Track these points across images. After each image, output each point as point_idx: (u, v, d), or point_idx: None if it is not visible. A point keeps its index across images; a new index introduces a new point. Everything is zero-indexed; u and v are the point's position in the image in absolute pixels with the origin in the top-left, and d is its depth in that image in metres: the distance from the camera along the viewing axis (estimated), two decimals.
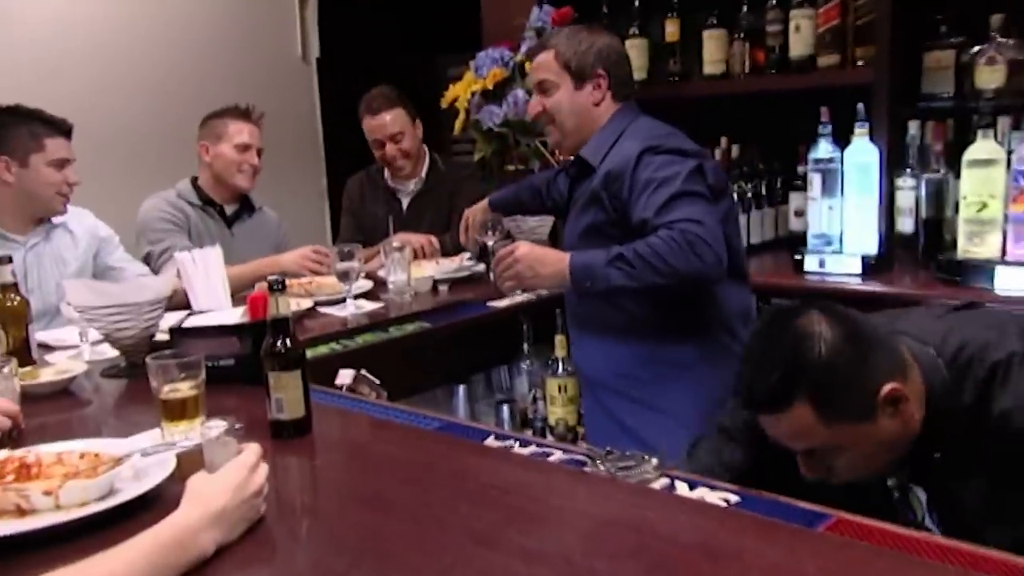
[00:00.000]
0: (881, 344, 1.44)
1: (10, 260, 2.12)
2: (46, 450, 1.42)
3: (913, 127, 2.72)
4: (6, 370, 1.75)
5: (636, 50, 3.33)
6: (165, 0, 4.30)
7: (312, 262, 2.96)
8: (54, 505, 1.26)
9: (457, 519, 1.28)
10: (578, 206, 2.26)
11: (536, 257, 2.10)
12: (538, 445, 1.60)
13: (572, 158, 2.38)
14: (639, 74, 3.33)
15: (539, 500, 1.34)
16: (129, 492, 1.30)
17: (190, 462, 1.42)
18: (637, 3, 3.38)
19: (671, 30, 3.30)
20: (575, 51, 2.20)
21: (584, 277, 2.02)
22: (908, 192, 2.72)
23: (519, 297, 2.67)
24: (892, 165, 2.71)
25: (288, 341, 1.61)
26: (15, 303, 2.06)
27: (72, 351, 2.26)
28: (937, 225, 2.67)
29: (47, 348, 2.31)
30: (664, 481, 1.40)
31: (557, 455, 1.53)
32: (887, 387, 1.38)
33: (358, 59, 4.92)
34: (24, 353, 2.04)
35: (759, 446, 1.56)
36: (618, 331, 2.22)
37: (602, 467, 1.44)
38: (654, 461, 1.44)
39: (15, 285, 2.09)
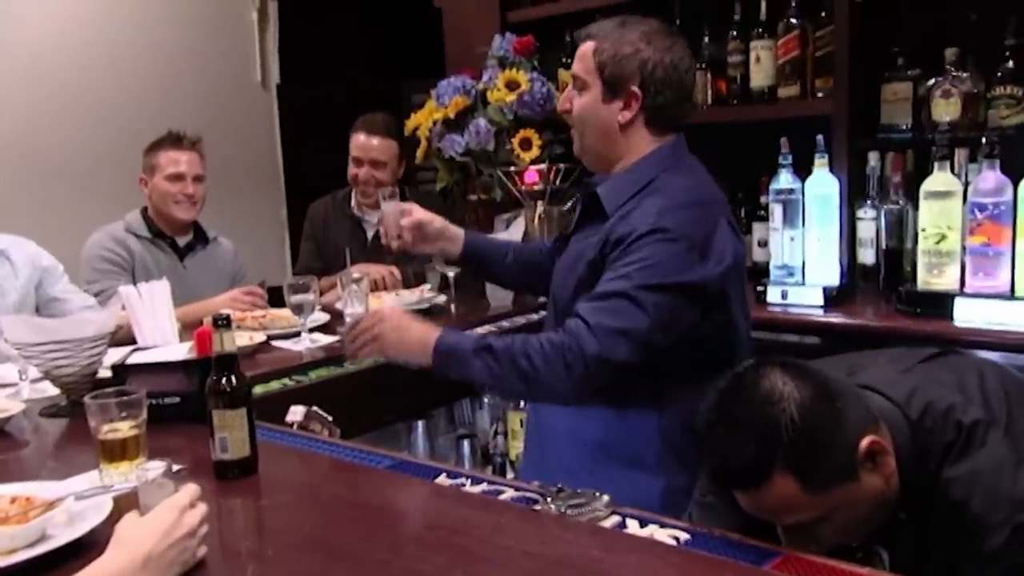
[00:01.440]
0: (850, 396, 1.38)
1: None
2: None
3: (873, 158, 2.76)
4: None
5: None
6: (122, 23, 4.28)
7: (244, 303, 2.95)
8: None
9: (402, 562, 1.29)
10: (579, 244, 1.98)
11: (405, 325, 1.90)
12: (489, 483, 1.59)
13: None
14: None
15: (486, 541, 1.33)
16: (61, 538, 1.28)
17: (129, 505, 1.40)
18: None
19: None
20: (615, 53, 1.84)
21: (446, 359, 1.82)
22: (869, 223, 2.75)
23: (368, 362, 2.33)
24: (852, 196, 2.76)
25: (233, 378, 1.59)
26: None
27: (10, 389, 2.21)
28: (898, 256, 2.71)
29: None
30: (615, 519, 1.39)
31: (509, 493, 1.53)
32: (865, 440, 1.32)
33: (319, 85, 4.93)
34: None
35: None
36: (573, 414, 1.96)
37: (553, 505, 1.43)
38: (605, 498, 1.43)
39: None
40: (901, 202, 2.70)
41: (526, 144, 3.24)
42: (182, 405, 1.86)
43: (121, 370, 1.96)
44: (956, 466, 1.36)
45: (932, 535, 1.39)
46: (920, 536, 1.42)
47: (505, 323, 2.84)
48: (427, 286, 3.14)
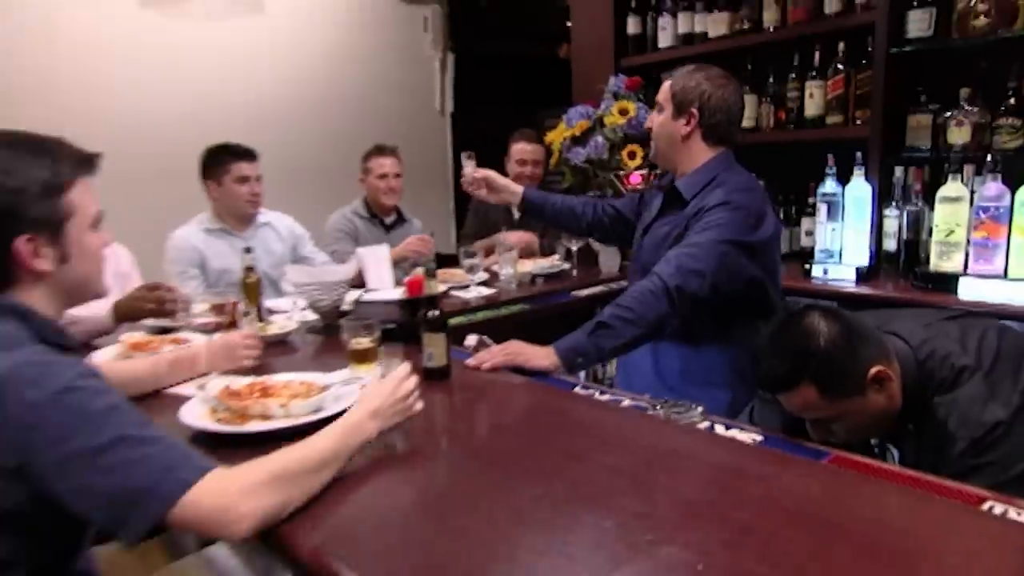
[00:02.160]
0: (869, 337, 1.40)
1: (250, 251, 2.21)
2: (277, 379, 1.50)
3: (898, 171, 2.66)
4: (249, 318, 1.88)
5: None
6: (344, 63, 4.35)
7: (418, 245, 3.02)
8: (285, 414, 1.34)
9: (556, 442, 1.32)
10: (665, 227, 1.97)
11: (524, 346, 1.74)
12: (612, 394, 1.59)
13: (656, 187, 2.16)
14: None
15: (615, 432, 1.37)
16: (330, 410, 1.36)
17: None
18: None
19: None
20: (683, 86, 1.91)
21: (571, 354, 1.71)
22: (893, 220, 2.66)
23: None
24: (881, 199, 2.66)
25: (437, 312, 1.65)
26: (254, 280, 2.14)
27: (288, 314, 2.31)
28: (915, 245, 2.61)
29: (270, 312, 2.35)
30: (706, 423, 1.41)
31: (627, 402, 1.54)
32: (874, 369, 1.35)
33: (480, 113, 4.97)
34: (257, 314, 2.13)
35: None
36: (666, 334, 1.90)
37: (660, 411, 1.45)
38: (699, 408, 1.44)
39: (253, 268, 2.17)
40: (920, 205, 2.60)
41: (632, 155, 3.22)
42: (398, 330, 1.92)
43: (360, 304, 2.06)
44: (943, 396, 1.37)
45: (924, 442, 1.40)
46: (917, 442, 1.43)
47: (613, 285, 2.83)
48: (556, 256, 3.18)
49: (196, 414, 1.36)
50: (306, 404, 1.36)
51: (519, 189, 2.30)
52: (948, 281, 2.31)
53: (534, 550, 0.96)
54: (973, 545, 0.97)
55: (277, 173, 3.34)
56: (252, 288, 2.13)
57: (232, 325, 1.99)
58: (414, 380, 1.31)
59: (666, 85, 1.96)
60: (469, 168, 2.27)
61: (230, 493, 0.97)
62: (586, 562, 0.93)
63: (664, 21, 3.40)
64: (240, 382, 1.47)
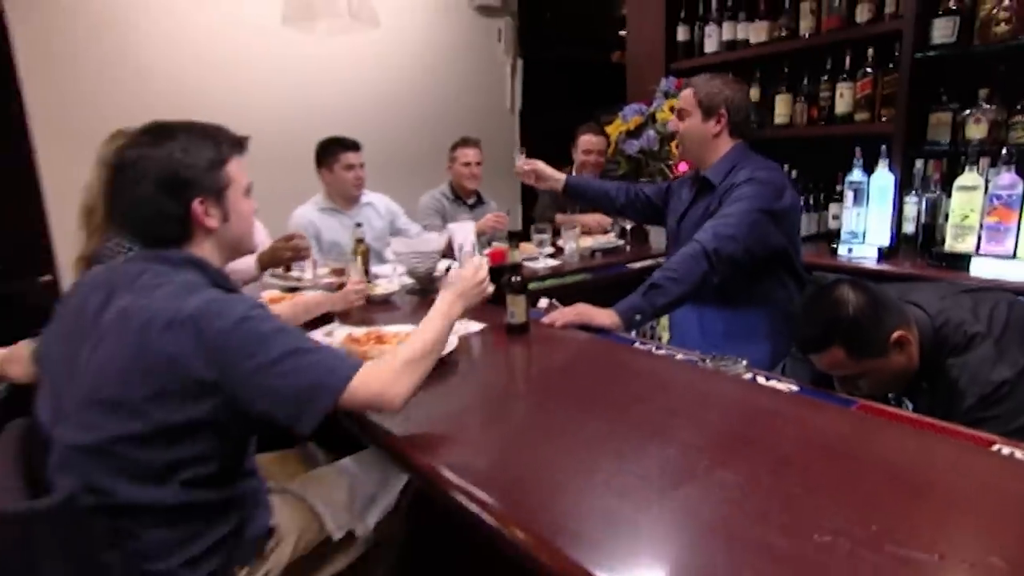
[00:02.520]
0: (892, 306, 1.39)
1: (360, 225, 2.28)
2: (387, 329, 1.57)
3: (919, 163, 2.56)
4: (355, 266, 2.02)
5: None
6: (434, 68, 4.35)
7: (494, 220, 3.03)
8: None
9: (620, 386, 1.35)
10: (700, 210, 1.98)
11: (589, 308, 1.75)
12: (667, 349, 1.59)
13: (681, 179, 2.17)
14: None
15: (671, 379, 1.39)
16: None
17: (463, 341, 1.56)
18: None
19: (753, 93, 3.19)
20: (707, 92, 1.91)
21: (629, 312, 1.71)
22: (913, 206, 2.56)
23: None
24: (903, 187, 2.58)
25: (519, 277, 1.69)
26: (363, 249, 2.22)
27: (390, 278, 2.36)
28: (932, 229, 2.51)
29: (376, 276, 2.40)
30: (749, 375, 1.41)
31: (680, 356, 1.53)
32: (896, 334, 1.34)
33: (544, 112, 4.94)
34: (365, 276, 2.19)
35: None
36: (709, 299, 1.95)
37: (708, 364, 1.46)
38: (744, 362, 1.44)
39: (362, 240, 2.24)
40: (937, 192, 2.50)
41: (679, 147, 3.19)
42: None
43: (449, 270, 2.11)
44: (956, 358, 1.36)
45: (938, 398, 1.38)
46: (931, 397, 1.42)
47: (661, 259, 2.79)
48: (612, 233, 3.18)
49: None
50: None
51: (562, 176, 2.32)
52: (961, 260, 2.24)
53: (607, 471, 1.00)
54: (982, 479, 0.97)
55: (378, 159, 3.42)
56: (364, 256, 2.20)
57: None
58: (485, 268, 1.45)
59: (688, 92, 1.95)
60: (520, 160, 2.31)
61: (381, 379, 1.07)
62: (654, 482, 0.97)
63: (710, 29, 3.32)
64: (360, 331, 1.54)
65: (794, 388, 1.33)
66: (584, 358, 1.56)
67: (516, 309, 1.69)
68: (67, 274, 2.59)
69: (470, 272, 1.40)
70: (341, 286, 1.99)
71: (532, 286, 2.39)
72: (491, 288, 1.43)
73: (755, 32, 3.13)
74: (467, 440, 1.16)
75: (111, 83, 3.11)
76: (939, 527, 0.85)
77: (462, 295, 1.34)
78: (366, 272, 2.19)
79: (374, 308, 2.02)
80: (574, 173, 3.42)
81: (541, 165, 2.31)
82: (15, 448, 1.08)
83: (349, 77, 3.96)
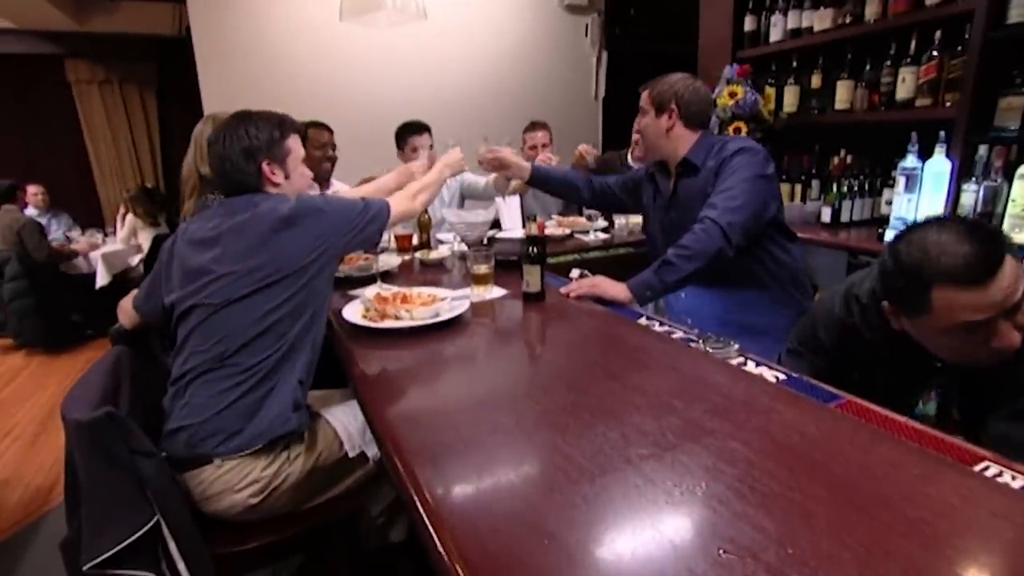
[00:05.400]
0: None
1: None
2: (415, 290, 1.49)
3: (982, 149, 2.06)
4: (429, 152, 2.07)
5: (791, 93, 2.82)
6: (524, 59, 4.19)
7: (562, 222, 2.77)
8: (410, 318, 1.33)
9: (601, 360, 1.20)
10: (688, 189, 1.72)
11: (605, 281, 1.60)
12: (668, 326, 1.41)
13: (643, 172, 1.91)
14: (790, 108, 2.83)
15: (655, 358, 1.21)
16: (445, 316, 1.36)
17: (480, 305, 1.45)
18: (795, 63, 2.83)
19: (816, 80, 2.75)
20: (659, 91, 1.69)
21: (641, 287, 1.54)
22: (971, 194, 2.09)
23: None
24: (961, 175, 2.11)
25: (536, 248, 1.54)
26: (426, 218, 2.16)
27: (447, 245, 2.28)
28: (989, 217, 2.04)
29: (439, 242, 2.35)
30: (739, 359, 1.20)
31: (679, 334, 1.36)
32: None
33: (623, 99, 4.60)
34: (428, 244, 2.16)
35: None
36: (714, 280, 1.69)
37: (702, 344, 1.27)
38: (736, 346, 1.23)
39: (426, 210, 2.15)
40: (999, 181, 2.02)
41: (738, 131, 2.83)
42: (517, 261, 1.82)
43: (492, 240, 2.00)
44: None
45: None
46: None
47: None
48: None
49: (352, 311, 1.39)
50: (427, 311, 1.35)
51: (527, 165, 2.01)
52: (1019, 252, 1.79)
53: (544, 447, 0.86)
54: (948, 499, 0.73)
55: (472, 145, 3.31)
56: (425, 225, 2.13)
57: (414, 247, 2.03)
58: (459, 152, 1.79)
59: (645, 93, 1.74)
60: (482, 149, 1.99)
61: (404, 202, 1.47)
62: (581, 467, 0.82)
63: (775, 18, 2.86)
64: (390, 290, 1.48)
65: (782, 377, 1.11)
66: (582, 329, 1.41)
67: (531, 279, 1.56)
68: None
69: (454, 155, 1.78)
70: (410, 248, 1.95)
71: (577, 257, 2.23)
72: (465, 165, 1.78)
73: (820, 19, 2.65)
74: (427, 407, 1.04)
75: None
76: (866, 563, 0.63)
77: (448, 165, 1.74)
78: (428, 240, 2.12)
79: (429, 270, 1.96)
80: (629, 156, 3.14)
81: (505, 152, 1.97)
82: (110, 363, 1.19)
83: (457, 70, 3.94)
